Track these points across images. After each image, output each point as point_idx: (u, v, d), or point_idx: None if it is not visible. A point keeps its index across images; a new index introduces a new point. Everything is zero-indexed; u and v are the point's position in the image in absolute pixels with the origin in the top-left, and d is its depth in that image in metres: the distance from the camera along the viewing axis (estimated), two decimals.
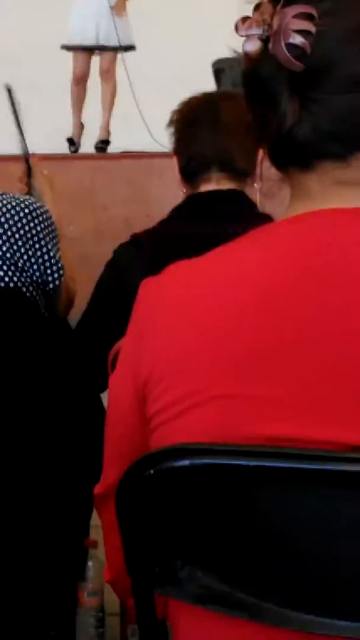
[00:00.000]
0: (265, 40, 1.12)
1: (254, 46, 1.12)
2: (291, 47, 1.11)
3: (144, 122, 8.09)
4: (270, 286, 1.11)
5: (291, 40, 1.11)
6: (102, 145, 8.35)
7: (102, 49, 8.16)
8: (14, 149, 2.85)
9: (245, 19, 1.13)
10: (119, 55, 8.27)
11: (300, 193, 1.19)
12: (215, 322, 1.12)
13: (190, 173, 2.36)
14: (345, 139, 1.14)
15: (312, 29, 1.11)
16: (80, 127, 8.43)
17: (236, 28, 1.12)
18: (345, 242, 1.11)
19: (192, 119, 2.35)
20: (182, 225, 2.27)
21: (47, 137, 8.19)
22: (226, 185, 2.32)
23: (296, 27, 1.11)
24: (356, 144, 1.14)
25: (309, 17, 1.11)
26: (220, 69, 7.29)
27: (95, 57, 8.30)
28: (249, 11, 1.14)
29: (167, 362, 1.14)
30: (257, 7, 1.14)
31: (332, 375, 1.07)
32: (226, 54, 1.31)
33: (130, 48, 8.23)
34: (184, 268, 1.20)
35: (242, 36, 1.12)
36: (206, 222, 2.22)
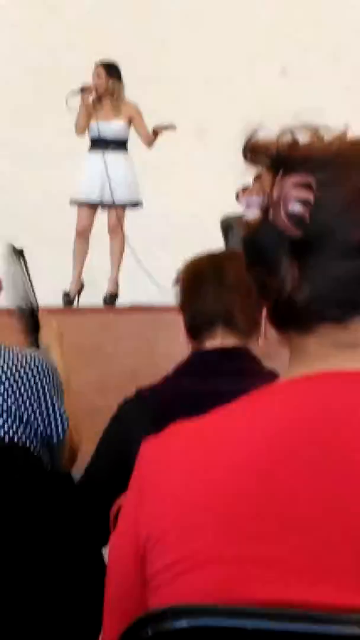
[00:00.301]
0: (265, 209, 1.16)
1: (254, 214, 1.16)
2: (290, 216, 1.14)
3: (148, 276, 8.23)
4: (265, 449, 1.12)
5: (290, 210, 1.14)
6: (111, 299, 8.45)
7: (107, 205, 8.34)
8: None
9: (245, 188, 1.17)
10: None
11: (299, 355, 1.20)
12: (212, 484, 1.13)
13: (195, 329, 2.40)
14: (344, 303, 1.16)
15: (311, 198, 1.14)
16: (79, 282, 8.52)
17: (237, 197, 1.17)
18: (339, 407, 1.12)
19: (197, 278, 2.41)
20: (186, 382, 2.30)
21: (53, 291, 8.34)
22: (231, 341, 2.35)
23: (295, 197, 1.14)
24: (354, 307, 1.16)
25: (307, 186, 1.14)
26: (228, 225, 7.43)
27: (104, 212, 8.47)
28: (249, 178, 1.19)
29: (166, 523, 1.15)
30: (257, 177, 1.18)
31: (331, 536, 1.07)
32: (230, 210, 1.36)
33: (136, 204, 8.40)
34: (184, 428, 1.21)
35: (242, 205, 1.16)
36: (210, 379, 2.24)
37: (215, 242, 7.30)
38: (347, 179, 1.16)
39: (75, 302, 8.56)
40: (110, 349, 7.31)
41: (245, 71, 10.52)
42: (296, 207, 1.14)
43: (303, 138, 1.19)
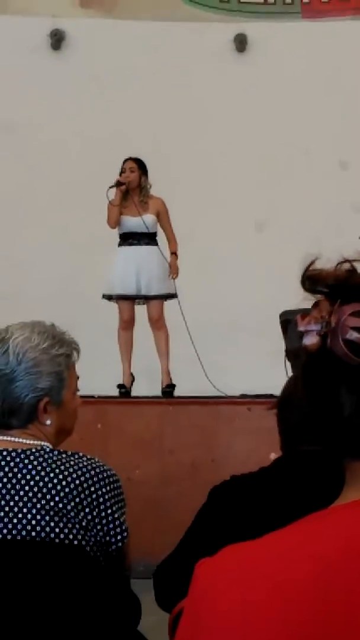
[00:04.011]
0: (323, 336, 1.17)
1: (312, 341, 1.17)
2: (348, 343, 1.15)
3: (201, 367, 8.24)
4: (323, 572, 1.12)
5: (348, 337, 1.15)
6: (168, 389, 8.42)
7: (143, 298, 8.37)
8: None
9: (304, 315, 1.19)
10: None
11: (354, 480, 1.20)
12: (269, 608, 1.13)
13: None
14: None
15: None
16: (130, 375, 8.50)
17: (296, 324, 1.18)
18: None
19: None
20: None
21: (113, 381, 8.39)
22: None
23: (353, 325, 1.15)
24: None
25: None
26: (287, 320, 7.42)
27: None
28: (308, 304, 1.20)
29: None
30: (315, 305, 1.19)
31: None
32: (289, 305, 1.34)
33: (171, 296, 8.38)
34: (238, 551, 1.20)
35: (301, 332, 1.18)
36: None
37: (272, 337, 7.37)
38: None
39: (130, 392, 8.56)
40: (169, 440, 7.32)
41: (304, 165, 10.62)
42: (354, 335, 1.15)
43: None
